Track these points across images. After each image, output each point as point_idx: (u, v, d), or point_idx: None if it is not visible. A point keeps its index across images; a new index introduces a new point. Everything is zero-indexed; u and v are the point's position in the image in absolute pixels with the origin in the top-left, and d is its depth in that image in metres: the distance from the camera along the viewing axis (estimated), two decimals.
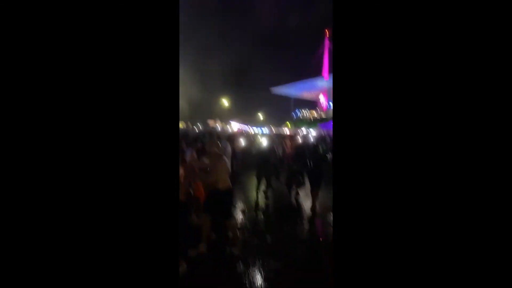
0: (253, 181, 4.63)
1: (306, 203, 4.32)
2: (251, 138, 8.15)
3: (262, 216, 3.89)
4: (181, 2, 1.00)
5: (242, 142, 6.37)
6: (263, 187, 4.45)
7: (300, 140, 5.98)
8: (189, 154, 3.46)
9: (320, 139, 5.22)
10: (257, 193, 4.38)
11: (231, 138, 4.38)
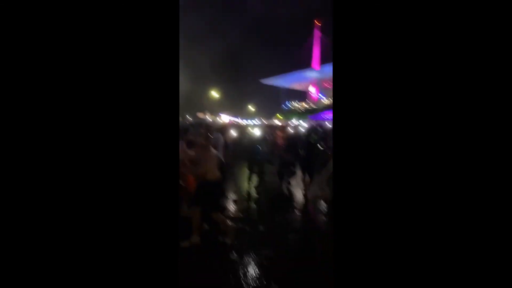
0: (245, 172, 4.62)
1: (298, 192, 4.36)
2: (242, 130, 8.11)
3: (254, 206, 3.90)
4: None
5: (234, 133, 6.33)
6: (254, 178, 4.45)
7: (291, 130, 5.99)
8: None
9: (311, 129, 5.24)
10: (249, 183, 4.38)
11: (223, 129, 4.32)
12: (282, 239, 2.82)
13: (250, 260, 2.35)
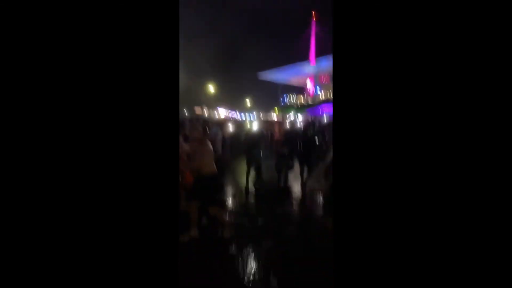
0: (243, 166, 4.64)
1: (296, 185, 4.41)
2: (240, 124, 8.10)
3: (252, 200, 3.93)
4: None
5: (232, 127, 6.33)
6: (252, 173, 4.48)
7: (288, 125, 6.00)
8: None
9: (308, 123, 5.27)
10: (247, 177, 4.41)
11: (221, 123, 4.31)
12: (280, 232, 2.86)
13: (249, 253, 2.39)
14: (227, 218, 2.83)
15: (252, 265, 2.20)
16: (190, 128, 3.46)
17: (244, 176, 4.47)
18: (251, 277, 2.04)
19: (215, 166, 2.67)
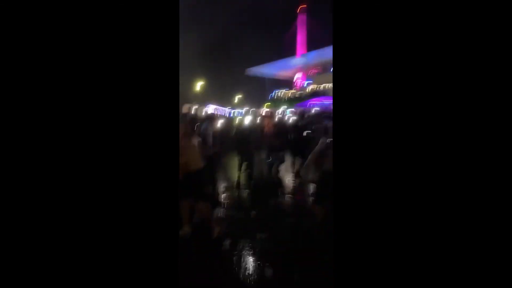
0: (235, 160, 4.63)
1: (288, 177, 4.44)
2: (230, 119, 8.05)
3: (245, 193, 3.94)
4: None
5: (222, 122, 6.29)
6: (244, 167, 4.48)
7: (278, 118, 6.01)
8: None
9: (298, 116, 5.30)
10: (239, 171, 4.40)
11: (211, 119, 4.25)
12: (274, 224, 2.88)
13: (243, 247, 2.40)
14: (216, 213, 2.81)
15: (246, 259, 2.21)
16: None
17: (236, 170, 4.46)
18: (246, 272, 2.05)
19: (201, 161, 2.63)
